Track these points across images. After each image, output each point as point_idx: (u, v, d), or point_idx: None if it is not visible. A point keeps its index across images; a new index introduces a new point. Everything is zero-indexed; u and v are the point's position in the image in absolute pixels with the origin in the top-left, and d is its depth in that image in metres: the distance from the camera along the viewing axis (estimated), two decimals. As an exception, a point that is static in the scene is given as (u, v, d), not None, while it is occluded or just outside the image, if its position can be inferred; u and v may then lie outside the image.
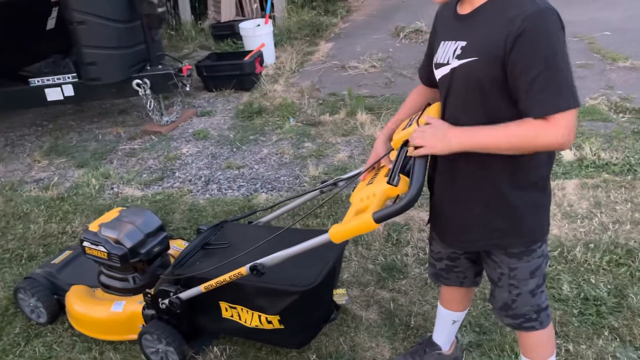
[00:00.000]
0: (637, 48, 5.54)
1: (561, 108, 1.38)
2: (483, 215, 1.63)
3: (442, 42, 1.59)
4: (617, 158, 3.54)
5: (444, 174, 1.69)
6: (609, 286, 2.52)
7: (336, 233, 1.66)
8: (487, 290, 1.85)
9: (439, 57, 1.60)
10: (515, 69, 1.40)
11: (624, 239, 2.82)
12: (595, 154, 3.60)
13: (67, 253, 2.78)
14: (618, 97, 4.51)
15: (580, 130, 4.00)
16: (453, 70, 1.52)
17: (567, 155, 3.64)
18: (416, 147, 1.55)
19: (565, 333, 2.30)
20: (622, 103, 4.40)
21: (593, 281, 2.56)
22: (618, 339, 2.25)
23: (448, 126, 1.53)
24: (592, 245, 2.78)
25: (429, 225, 1.90)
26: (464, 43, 1.50)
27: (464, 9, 1.52)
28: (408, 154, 1.59)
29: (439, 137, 1.51)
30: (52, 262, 2.72)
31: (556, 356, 2.03)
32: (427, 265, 2.52)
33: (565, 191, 3.28)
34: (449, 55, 1.54)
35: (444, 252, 1.90)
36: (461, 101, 1.54)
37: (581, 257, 2.71)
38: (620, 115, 4.24)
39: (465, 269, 1.91)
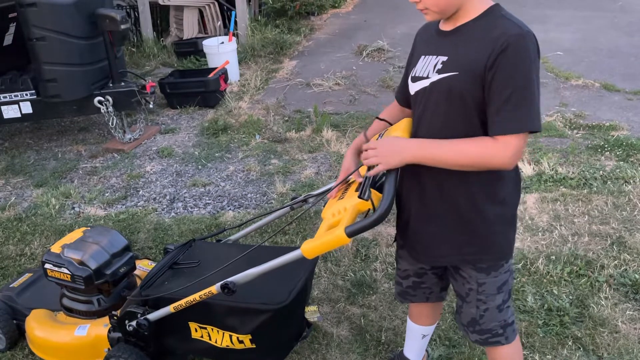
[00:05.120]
0: (587, 67, 5.81)
1: (528, 128, 1.44)
2: (456, 230, 1.65)
3: (423, 57, 1.61)
4: (573, 172, 3.68)
5: (412, 191, 1.70)
6: (570, 297, 2.61)
7: (308, 249, 1.66)
8: (455, 305, 1.87)
9: (418, 70, 1.62)
10: (492, 85, 1.44)
11: (583, 250, 2.92)
12: (553, 169, 3.74)
13: (26, 276, 2.68)
14: (572, 114, 4.70)
15: (538, 145, 4.15)
16: (433, 84, 1.55)
17: (527, 170, 3.76)
18: (370, 167, 1.57)
19: (531, 344, 2.35)
20: (576, 120, 4.60)
21: (556, 292, 2.64)
22: (581, 349, 2.32)
23: (399, 139, 1.58)
24: (553, 257, 2.87)
25: (395, 243, 1.92)
26: (445, 58, 1.53)
27: (446, 26, 1.57)
28: (367, 174, 1.60)
29: (392, 151, 1.54)
30: (10, 285, 2.61)
31: (524, 367, 2.08)
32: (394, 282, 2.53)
33: (527, 205, 3.39)
34: (429, 69, 1.56)
35: (411, 269, 1.91)
36: (441, 115, 1.56)
37: (543, 269, 2.79)
38: (575, 131, 4.42)
39: (431, 284, 1.92)
